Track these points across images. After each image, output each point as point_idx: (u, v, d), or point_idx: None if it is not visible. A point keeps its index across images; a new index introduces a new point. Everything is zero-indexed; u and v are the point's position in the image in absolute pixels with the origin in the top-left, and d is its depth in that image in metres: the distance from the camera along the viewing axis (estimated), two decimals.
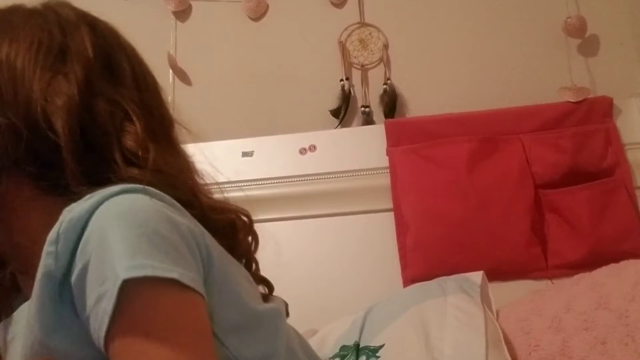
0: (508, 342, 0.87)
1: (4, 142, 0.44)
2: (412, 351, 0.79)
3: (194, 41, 1.33)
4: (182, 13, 1.35)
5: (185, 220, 0.42)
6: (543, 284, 1.06)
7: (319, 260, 1.12)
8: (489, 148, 1.11)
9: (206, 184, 0.53)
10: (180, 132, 0.58)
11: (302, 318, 1.04)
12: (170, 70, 1.29)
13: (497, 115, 1.15)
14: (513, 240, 1.06)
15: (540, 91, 1.18)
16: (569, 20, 1.22)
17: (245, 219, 0.54)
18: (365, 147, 1.17)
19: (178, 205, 0.43)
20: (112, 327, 0.36)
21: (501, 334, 0.87)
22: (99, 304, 0.36)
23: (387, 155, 1.15)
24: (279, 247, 1.12)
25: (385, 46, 1.28)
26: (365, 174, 1.15)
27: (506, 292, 1.01)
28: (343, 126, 1.24)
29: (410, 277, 1.08)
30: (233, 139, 1.20)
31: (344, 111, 1.24)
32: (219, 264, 0.43)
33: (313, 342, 0.91)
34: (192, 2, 1.36)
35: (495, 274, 1.02)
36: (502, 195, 1.08)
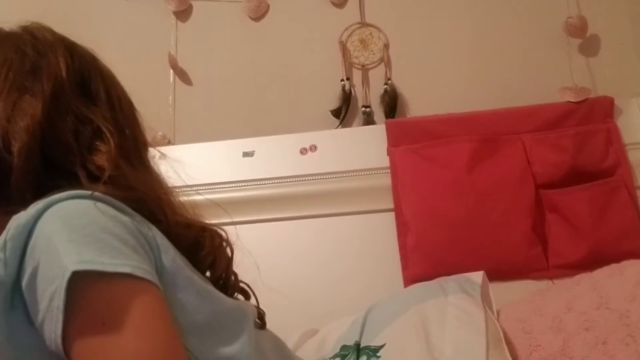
0: (509, 342, 0.87)
1: None
2: (413, 351, 0.79)
3: (194, 41, 1.33)
4: (183, 13, 1.35)
5: (133, 220, 0.42)
6: (544, 284, 1.06)
7: (319, 260, 1.12)
8: (489, 148, 1.11)
9: (176, 201, 0.53)
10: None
11: (302, 318, 1.05)
12: (171, 70, 1.29)
13: (497, 115, 1.14)
14: (514, 240, 1.06)
15: (541, 91, 1.17)
16: (569, 20, 1.22)
17: (216, 237, 0.53)
18: (365, 147, 1.17)
19: (128, 209, 0.43)
20: (67, 324, 0.36)
21: (502, 334, 0.87)
22: (52, 303, 0.36)
23: (387, 155, 1.15)
24: (278, 247, 1.13)
25: (386, 46, 1.28)
26: (366, 174, 1.15)
27: (507, 292, 1.01)
28: (344, 126, 1.24)
29: (411, 277, 1.08)
30: (234, 139, 1.20)
31: (344, 111, 1.24)
32: (171, 263, 0.43)
33: (313, 342, 0.91)
34: (192, 2, 1.36)
35: (496, 274, 1.02)
36: (503, 195, 1.08)
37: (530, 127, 1.13)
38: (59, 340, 0.36)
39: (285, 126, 1.23)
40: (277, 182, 1.16)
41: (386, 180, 1.13)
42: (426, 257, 1.08)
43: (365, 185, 1.15)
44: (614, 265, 0.98)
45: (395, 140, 1.15)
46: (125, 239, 0.40)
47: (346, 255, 1.12)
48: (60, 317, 0.36)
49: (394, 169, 1.13)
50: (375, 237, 1.13)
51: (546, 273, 1.07)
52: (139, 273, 0.38)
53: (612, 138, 1.11)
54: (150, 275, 0.39)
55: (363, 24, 1.29)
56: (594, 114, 1.13)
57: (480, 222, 1.07)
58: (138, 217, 0.44)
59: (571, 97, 1.15)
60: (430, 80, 1.25)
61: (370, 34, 1.28)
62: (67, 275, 0.36)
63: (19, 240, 0.38)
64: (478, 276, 0.95)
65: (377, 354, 0.80)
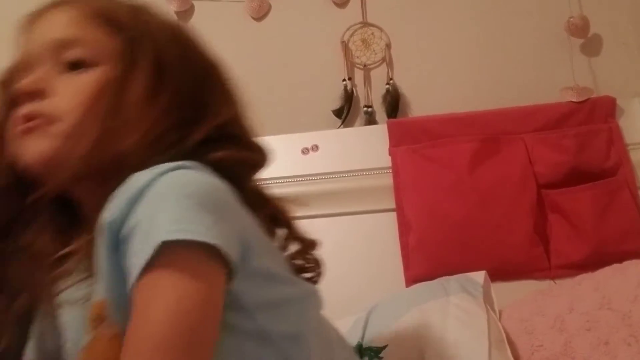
0: (511, 343, 0.87)
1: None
2: (414, 352, 0.79)
3: None
4: (185, 13, 1.35)
5: (233, 197, 0.46)
6: (546, 284, 1.06)
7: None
8: (491, 148, 1.10)
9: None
10: None
11: None
12: None
13: (499, 115, 1.14)
14: (515, 241, 1.06)
15: (543, 91, 1.17)
16: (571, 19, 1.21)
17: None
18: (367, 147, 1.17)
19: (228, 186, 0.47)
20: (139, 277, 0.38)
21: (504, 334, 0.87)
22: (138, 257, 0.39)
23: (389, 155, 1.15)
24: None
25: (388, 46, 1.28)
26: (368, 174, 1.15)
27: (509, 292, 1.01)
28: (345, 126, 1.24)
29: (413, 277, 1.08)
30: None
31: (346, 111, 1.23)
32: (258, 244, 0.46)
33: None
34: (194, 2, 1.35)
35: (498, 274, 1.02)
36: (505, 195, 1.08)
37: (532, 127, 1.12)
38: (130, 289, 0.39)
39: (286, 126, 1.23)
40: (278, 182, 1.16)
41: (388, 180, 1.13)
42: (428, 257, 1.08)
43: (367, 185, 1.15)
44: (616, 266, 0.98)
45: (397, 140, 1.15)
46: (224, 214, 0.42)
47: (348, 255, 1.11)
48: (137, 272, 0.38)
49: (395, 169, 1.13)
50: (376, 237, 1.13)
51: (548, 273, 1.06)
52: (224, 247, 0.40)
53: (614, 138, 1.11)
54: (233, 252, 0.41)
55: (365, 24, 1.29)
56: (596, 114, 1.13)
57: (482, 222, 1.07)
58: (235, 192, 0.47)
59: (573, 97, 1.15)
60: (432, 80, 1.25)
61: (372, 33, 1.28)
62: (158, 242, 0.38)
63: (133, 195, 0.42)
64: (480, 276, 0.95)
65: (379, 355, 0.80)
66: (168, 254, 0.38)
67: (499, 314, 0.92)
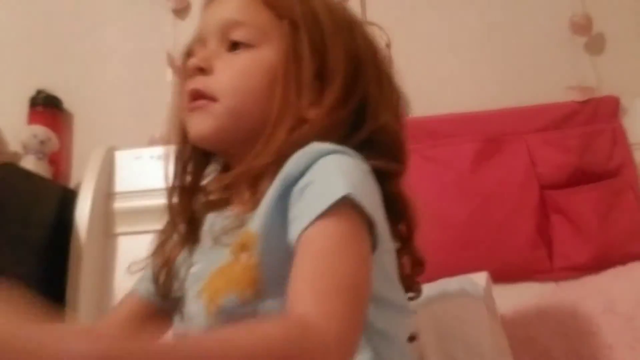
0: (513, 347, 0.86)
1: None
2: (414, 356, 0.78)
3: None
4: (182, 11, 1.33)
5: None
6: (548, 286, 1.04)
7: None
8: (493, 148, 1.09)
9: None
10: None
11: None
12: (169, 69, 1.27)
13: (501, 115, 1.13)
14: (518, 242, 1.05)
15: (545, 90, 1.16)
16: (574, 18, 1.20)
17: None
18: None
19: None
20: (314, 222, 0.43)
21: (506, 339, 0.86)
22: (314, 206, 0.44)
23: None
24: None
25: (388, 45, 1.26)
26: None
27: (511, 293, 1.00)
28: None
29: None
30: None
31: None
32: (384, 240, 0.49)
33: None
34: (191, 0, 1.34)
35: (500, 276, 1.00)
36: (507, 196, 1.07)
37: (535, 127, 1.11)
38: (298, 233, 0.44)
39: None
40: None
41: None
42: (428, 259, 1.06)
43: None
44: (620, 268, 0.97)
45: None
46: (377, 205, 0.48)
47: None
48: (312, 217, 0.43)
49: None
50: None
51: (551, 275, 1.05)
52: (377, 226, 0.46)
53: (618, 138, 1.10)
54: (381, 234, 0.47)
55: (365, 23, 1.27)
56: (599, 114, 1.12)
57: (484, 223, 1.06)
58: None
59: (576, 97, 1.14)
60: (433, 80, 1.24)
61: (372, 32, 1.27)
62: (339, 194, 0.43)
63: (311, 159, 0.47)
64: (481, 277, 0.94)
65: None
66: (343, 209, 0.44)
67: (502, 318, 0.91)
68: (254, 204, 0.51)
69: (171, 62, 1.27)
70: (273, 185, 0.49)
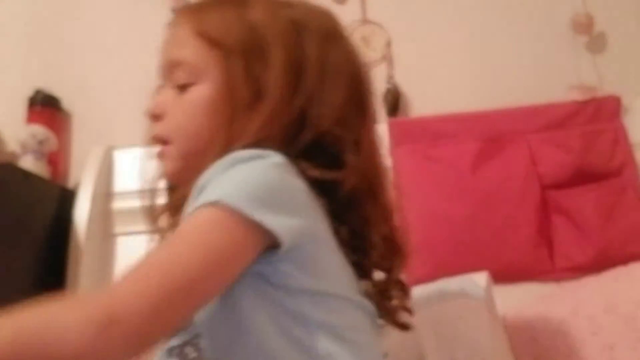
0: (514, 348, 0.86)
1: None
2: (414, 358, 0.78)
3: None
4: None
5: (304, 185, 0.52)
6: (549, 286, 1.04)
7: None
8: (494, 148, 1.09)
9: None
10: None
11: None
12: None
13: (502, 115, 1.13)
14: (519, 242, 1.05)
15: (547, 90, 1.16)
16: (576, 17, 1.20)
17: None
18: None
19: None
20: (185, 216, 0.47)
21: (506, 339, 0.85)
22: (194, 203, 0.47)
23: (390, 155, 1.14)
24: None
25: (388, 44, 1.26)
26: None
27: (512, 294, 1.00)
28: None
29: (414, 278, 1.06)
30: None
31: None
32: (323, 241, 0.52)
33: None
34: (190, 0, 1.34)
35: (501, 276, 1.00)
36: (508, 196, 1.06)
37: (536, 127, 1.11)
38: None
39: None
40: None
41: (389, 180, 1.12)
42: (429, 259, 1.06)
43: None
44: (621, 269, 0.97)
45: (398, 140, 1.14)
46: (285, 204, 0.49)
47: None
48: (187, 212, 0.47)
49: (396, 169, 1.12)
50: None
51: (552, 275, 1.05)
52: (268, 225, 0.46)
53: (619, 138, 1.10)
54: (280, 230, 0.47)
55: (365, 21, 1.27)
56: (601, 114, 1.12)
57: (485, 223, 1.05)
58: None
59: (577, 96, 1.13)
60: (434, 79, 1.24)
61: (372, 31, 1.27)
62: (213, 198, 0.46)
63: (225, 167, 0.49)
64: (482, 278, 0.93)
65: None
66: (217, 211, 0.46)
67: (503, 319, 0.91)
68: None
69: None
70: (190, 198, 0.50)
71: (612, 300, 0.89)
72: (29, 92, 1.25)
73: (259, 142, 0.53)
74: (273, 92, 0.55)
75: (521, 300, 0.97)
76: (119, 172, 1.15)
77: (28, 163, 1.13)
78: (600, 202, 1.05)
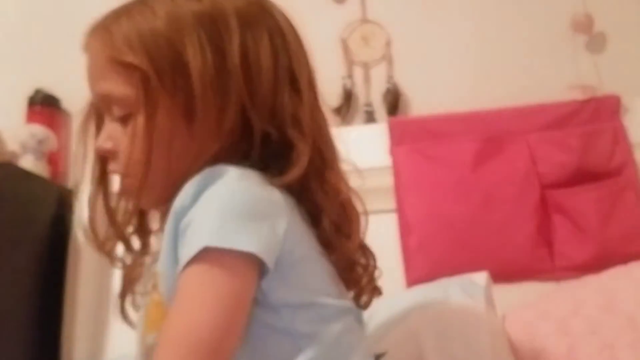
0: (514, 346, 0.86)
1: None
2: (414, 358, 0.78)
3: None
4: None
5: (275, 197, 0.51)
6: (549, 285, 1.05)
7: None
8: (494, 147, 1.09)
9: None
10: None
11: None
12: None
13: (502, 114, 1.13)
14: (518, 241, 1.05)
15: (547, 89, 1.16)
16: (575, 17, 1.20)
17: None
18: (367, 146, 1.14)
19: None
20: (184, 268, 0.46)
21: (506, 338, 0.85)
22: (186, 251, 0.46)
23: (390, 154, 1.14)
24: None
25: (388, 43, 1.26)
26: (368, 174, 1.13)
27: (511, 293, 1.00)
28: (345, 125, 1.22)
29: (414, 278, 1.06)
30: None
31: (346, 110, 1.22)
32: (299, 252, 0.51)
33: None
34: None
35: (501, 275, 1.00)
36: (508, 195, 1.06)
37: (536, 126, 1.11)
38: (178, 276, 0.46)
39: None
40: None
41: (388, 180, 1.11)
42: (429, 259, 1.07)
43: (367, 185, 1.13)
44: (620, 268, 0.97)
45: (398, 139, 1.14)
46: (263, 220, 0.48)
47: None
48: (182, 265, 0.46)
49: (396, 168, 1.12)
50: (377, 238, 1.10)
51: (552, 274, 1.05)
52: (259, 253, 0.46)
53: (619, 137, 1.10)
54: (269, 257, 0.47)
55: (365, 21, 1.27)
56: (601, 113, 1.12)
57: (485, 223, 1.06)
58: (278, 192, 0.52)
59: (577, 96, 1.13)
60: (434, 78, 1.24)
61: (372, 31, 1.27)
62: (204, 243, 0.45)
63: (195, 193, 0.49)
64: (482, 277, 0.94)
65: None
66: (210, 254, 0.45)
67: (503, 318, 0.91)
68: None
69: None
70: (168, 222, 0.50)
71: (612, 299, 0.89)
72: (28, 91, 1.25)
73: (215, 158, 0.52)
74: (202, 102, 0.52)
75: (521, 299, 0.97)
76: None
77: (28, 163, 1.13)
78: (600, 202, 1.05)
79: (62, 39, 1.33)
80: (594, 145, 1.09)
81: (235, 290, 0.46)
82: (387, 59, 1.25)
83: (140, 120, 0.54)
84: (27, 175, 1.06)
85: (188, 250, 0.46)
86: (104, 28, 0.57)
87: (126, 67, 0.54)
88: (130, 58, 0.53)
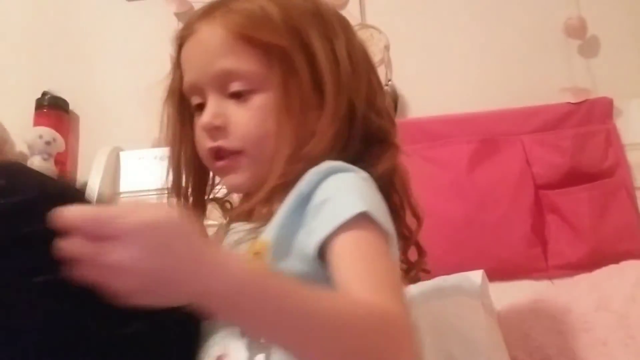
0: (508, 344, 0.87)
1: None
2: None
3: None
4: (184, 15, 1.35)
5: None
6: (543, 284, 1.06)
7: None
8: (489, 149, 1.11)
9: None
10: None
11: None
12: None
13: (497, 116, 1.14)
14: (513, 241, 1.06)
15: (541, 92, 1.17)
16: (569, 21, 1.21)
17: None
18: None
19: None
20: (337, 232, 0.47)
21: (501, 335, 0.86)
22: (333, 217, 0.48)
23: None
24: None
25: (387, 47, 1.27)
26: None
27: (506, 291, 1.01)
28: None
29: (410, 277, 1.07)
30: None
31: None
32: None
33: None
34: (193, 4, 1.35)
35: (496, 274, 1.01)
36: (503, 195, 1.08)
37: (530, 128, 1.13)
38: (319, 241, 0.48)
39: None
40: None
41: None
42: (426, 258, 1.08)
43: None
44: (613, 267, 0.98)
45: None
46: (385, 207, 0.53)
47: None
48: (335, 226, 0.47)
49: None
50: None
51: (545, 273, 1.06)
52: (393, 239, 0.51)
53: (612, 139, 1.11)
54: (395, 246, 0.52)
55: (363, 25, 1.28)
56: (594, 115, 1.13)
57: (480, 223, 1.07)
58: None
59: (570, 98, 1.15)
60: (431, 82, 1.25)
61: (371, 35, 1.28)
62: (357, 211, 0.48)
63: (322, 176, 0.52)
64: (477, 275, 0.95)
65: None
66: (366, 219, 0.48)
67: (497, 315, 0.92)
68: (268, 217, 0.54)
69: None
70: (287, 200, 0.52)
71: (605, 297, 0.90)
72: (36, 94, 1.27)
73: (333, 139, 0.55)
74: (329, 85, 0.56)
75: (516, 297, 0.97)
76: (125, 173, 1.17)
77: (36, 164, 1.14)
78: (593, 202, 1.06)
79: (70, 42, 1.35)
80: (587, 146, 1.10)
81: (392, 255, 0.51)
82: (386, 62, 1.26)
83: (270, 95, 0.56)
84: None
85: (339, 215, 0.48)
86: (225, 8, 0.58)
87: (258, 45, 0.56)
88: (268, 36, 0.56)
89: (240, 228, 0.58)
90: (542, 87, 1.19)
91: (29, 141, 1.18)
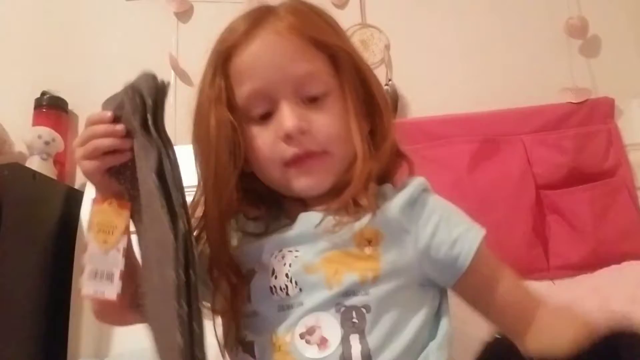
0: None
1: None
2: None
3: (195, 42, 1.33)
4: (184, 14, 1.35)
5: None
6: (544, 284, 1.05)
7: None
8: (490, 149, 1.10)
9: None
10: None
11: None
12: (172, 71, 1.29)
13: (498, 116, 1.14)
14: (514, 241, 1.06)
15: (542, 92, 1.17)
16: (570, 21, 1.22)
17: None
18: None
19: None
20: (474, 259, 0.61)
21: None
22: (470, 238, 0.62)
23: None
24: None
25: (387, 47, 1.28)
26: None
27: None
28: None
29: None
30: None
31: None
32: None
33: None
34: (193, 3, 1.36)
35: None
36: (504, 196, 1.07)
37: (531, 128, 1.12)
38: (465, 264, 0.61)
39: None
40: None
41: None
42: None
43: None
44: (614, 267, 0.98)
45: None
46: None
47: None
48: (472, 253, 0.61)
49: None
50: None
51: (547, 274, 1.06)
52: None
53: (613, 139, 1.11)
54: None
55: (364, 25, 1.29)
56: (595, 115, 1.13)
57: (481, 223, 1.02)
58: None
59: (572, 98, 1.15)
60: (431, 81, 1.25)
61: (371, 34, 1.28)
62: (481, 235, 0.63)
63: (418, 193, 0.61)
64: None
65: None
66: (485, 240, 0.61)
67: None
68: (363, 211, 0.57)
69: (174, 64, 1.29)
70: (397, 201, 0.58)
71: (606, 297, 0.90)
72: (35, 94, 1.27)
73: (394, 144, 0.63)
74: (376, 87, 0.63)
75: None
76: None
77: (35, 164, 1.15)
78: (594, 202, 1.06)
79: (69, 43, 1.35)
80: (588, 146, 1.10)
81: None
82: (386, 62, 1.27)
83: (341, 97, 0.60)
84: (35, 175, 1.07)
85: (473, 238, 0.61)
86: (281, 14, 0.60)
87: (324, 49, 0.59)
88: (334, 39, 0.60)
89: (319, 215, 0.58)
90: (543, 87, 1.19)
91: (28, 141, 1.18)
